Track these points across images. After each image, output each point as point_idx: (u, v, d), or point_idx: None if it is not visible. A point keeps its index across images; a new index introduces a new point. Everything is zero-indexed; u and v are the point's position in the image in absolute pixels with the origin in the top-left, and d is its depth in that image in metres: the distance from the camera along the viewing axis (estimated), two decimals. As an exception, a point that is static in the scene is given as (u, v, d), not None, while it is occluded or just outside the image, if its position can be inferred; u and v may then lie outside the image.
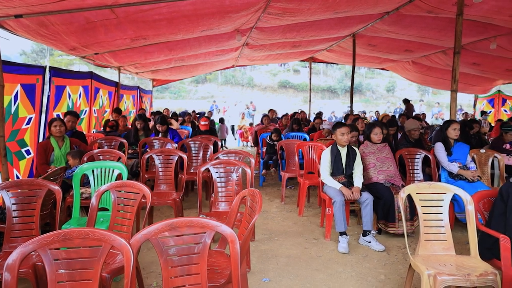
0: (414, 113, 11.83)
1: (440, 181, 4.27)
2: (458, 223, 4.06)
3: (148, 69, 9.36)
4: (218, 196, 3.53)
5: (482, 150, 4.67)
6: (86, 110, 7.00)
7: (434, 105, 20.22)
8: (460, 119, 8.72)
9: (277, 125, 8.28)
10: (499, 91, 12.05)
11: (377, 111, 16.51)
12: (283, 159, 5.75)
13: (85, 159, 4.00)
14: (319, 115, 9.15)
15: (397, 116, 10.07)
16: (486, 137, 7.56)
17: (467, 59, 8.78)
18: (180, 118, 9.78)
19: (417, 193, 2.54)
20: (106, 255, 1.67)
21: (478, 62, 8.99)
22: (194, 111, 12.23)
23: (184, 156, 4.13)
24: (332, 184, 3.80)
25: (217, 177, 3.55)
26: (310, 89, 12.16)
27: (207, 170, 3.58)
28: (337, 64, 16.57)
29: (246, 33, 6.70)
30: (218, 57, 8.98)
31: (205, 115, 10.68)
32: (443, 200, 2.52)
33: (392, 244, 3.70)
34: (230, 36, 6.52)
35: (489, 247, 2.42)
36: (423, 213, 2.51)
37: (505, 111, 11.83)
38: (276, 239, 3.88)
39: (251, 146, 10.85)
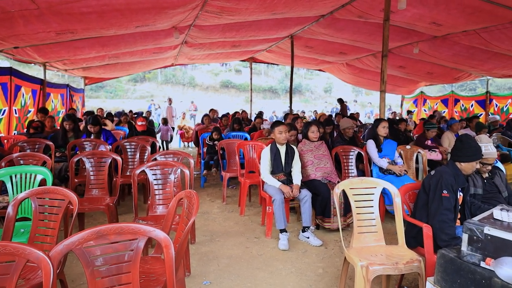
0: (349, 113, 12.50)
1: (372, 176, 4.54)
2: (388, 214, 4.35)
3: (79, 66, 8.73)
4: (155, 199, 3.38)
5: (408, 146, 5.05)
6: (4, 110, 6.32)
7: (367, 105, 21.59)
8: (388, 118, 9.35)
9: (217, 125, 8.21)
10: (421, 92, 13.21)
11: (315, 110, 17.17)
12: (224, 159, 5.70)
13: (2, 164, 3.59)
14: (259, 114, 9.24)
15: (333, 115, 10.55)
16: (411, 134, 8.20)
17: (394, 62, 9.48)
18: (115, 119, 9.27)
19: (350, 188, 2.65)
20: (20, 270, 1.49)
21: (404, 65, 9.75)
22: (131, 111, 11.67)
23: (118, 158, 3.89)
24: (272, 183, 3.83)
25: (154, 179, 3.39)
26: (251, 89, 12.26)
27: (144, 172, 3.41)
28: (277, 64, 16.93)
29: (184, 31, 6.54)
30: (156, 55, 8.67)
31: (143, 115, 10.24)
32: (373, 194, 2.66)
33: (329, 239, 3.84)
34: (167, 33, 6.32)
35: (414, 236, 2.61)
36: (356, 207, 2.63)
37: (425, 110, 12.99)
38: (217, 240, 3.82)
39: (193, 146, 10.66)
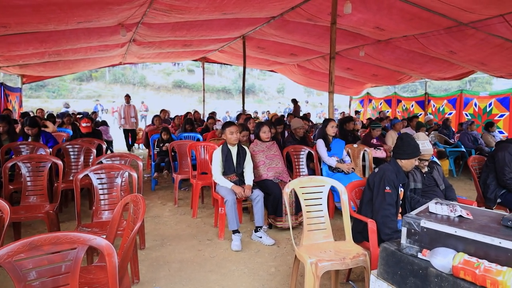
0: (301, 113, 12.79)
1: (322, 174, 4.67)
2: (337, 211, 4.49)
3: (14, 63, 8.07)
4: (100, 204, 3.21)
5: (355, 145, 5.26)
6: None
7: (318, 105, 22.28)
8: (337, 118, 9.72)
9: (169, 126, 8.01)
10: (368, 93, 13.88)
11: (268, 111, 17.38)
12: (176, 161, 5.57)
13: None
14: (212, 115, 9.14)
15: (286, 116, 10.74)
16: (358, 133, 8.56)
17: (342, 64, 9.86)
18: (58, 120, 8.70)
19: (300, 188, 2.70)
20: None
21: (351, 67, 10.18)
22: (74, 112, 11.02)
23: (59, 162, 3.64)
24: (224, 184, 3.80)
25: (99, 184, 3.22)
26: (204, 89, 12.14)
27: (89, 176, 3.22)
28: (230, 65, 16.91)
29: (132, 28, 6.29)
30: (102, 53, 8.26)
31: (88, 115, 9.70)
32: (322, 192, 2.74)
33: (282, 237, 3.89)
34: (113, 30, 6.04)
35: (360, 231, 2.72)
36: (306, 205, 2.68)
37: (369, 110, 13.69)
38: (168, 244, 3.71)
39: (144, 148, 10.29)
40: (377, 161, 5.66)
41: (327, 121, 4.76)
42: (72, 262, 1.59)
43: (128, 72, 34.85)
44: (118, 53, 8.81)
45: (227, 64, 16.01)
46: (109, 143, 9.41)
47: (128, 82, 34.71)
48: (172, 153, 5.57)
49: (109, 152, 8.22)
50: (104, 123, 9.69)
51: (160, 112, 9.15)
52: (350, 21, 6.31)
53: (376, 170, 2.77)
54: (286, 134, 6.09)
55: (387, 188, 2.56)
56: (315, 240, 2.66)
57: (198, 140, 6.52)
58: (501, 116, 8.71)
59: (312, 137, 7.70)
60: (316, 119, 16.08)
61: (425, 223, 1.60)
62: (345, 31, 7.09)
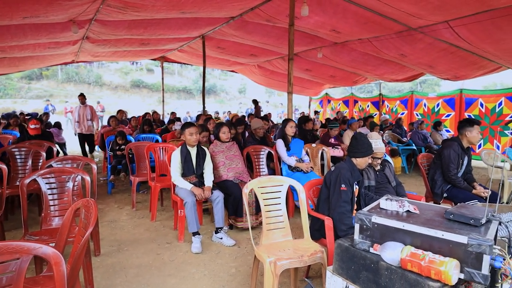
0: (262, 113, 12.88)
1: (282, 174, 4.74)
2: (297, 210, 4.55)
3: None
4: (50, 210, 3.03)
5: (313, 145, 5.39)
6: None
7: (279, 105, 22.57)
8: (298, 118, 9.87)
9: (127, 127, 7.75)
10: (326, 93, 14.27)
11: (229, 111, 17.35)
12: (133, 163, 5.40)
13: None
14: (173, 116, 8.94)
15: (247, 116, 10.77)
16: (318, 133, 8.78)
17: (301, 65, 10.06)
18: (3, 121, 8.12)
19: (259, 187, 2.71)
20: None
21: (310, 68, 10.40)
22: (22, 113, 10.35)
23: (3, 167, 3.40)
24: (183, 185, 3.74)
25: (48, 189, 3.04)
26: (163, 89, 11.87)
27: (37, 181, 3.03)
28: (191, 65, 16.67)
29: (84, 25, 6.01)
30: (52, 50, 7.81)
31: (37, 116, 9.14)
32: (280, 191, 2.77)
33: (242, 238, 3.89)
34: (64, 27, 5.73)
35: (318, 229, 2.78)
36: (265, 205, 2.71)
37: (328, 110, 14.10)
38: (125, 250, 3.59)
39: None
40: (335, 159, 5.83)
41: (286, 122, 4.83)
42: (15, 274, 1.49)
43: (82, 70, 33.31)
44: (70, 51, 8.38)
45: (187, 64, 15.78)
46: (62, 146, 8.93)
47: (83, 81, 33.18)
48: (130, 155, 5.40)
49: (61, 155, 7.79)
50: (57, 124, 9.18)
51: (117, 113, 8.82)
52: (308, 23, 6.45)
53: (333, 168, 2.85)
54: (247, 134, 6.11)
55: (343, 186, 2.65)
56: (274, 239, 2.68)
57: (157, 141, 6.36)
58: (448, 116, 9.31)
59: (272, 137, 7.79)
60: (277, 119, 16.28)
61: (376, 219, 1.67)
62: (304, 33, 7.24)
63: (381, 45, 7.17)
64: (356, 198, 2.89)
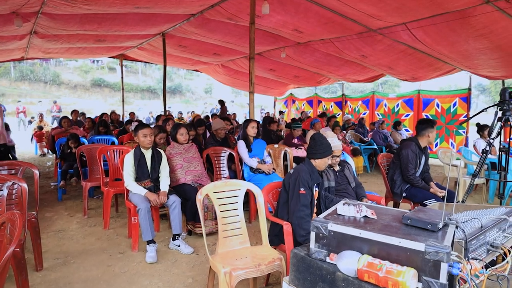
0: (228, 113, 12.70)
1: (243, 175, 4.60)
2: (259, 212, 4.45)
3: None
4: (-20, 223, 2.70)
5: (276, 145, 5.30)
6: None
7: (245, 105, 22.46)
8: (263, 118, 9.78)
9: (81, 129, 7.30)
10: (291, 93, 14.33)
11: (192, 111, 17.00)
12: (86, 167, 5.05)
13: None
14: (130, 120, 8.46)
15: (211, 116, 10.55)
16: (282, 133, 8.75)
17: (265, 65, 9.99)
18: None
19: (214, 193, 2.55)
20: None
21: (274, 68, 10.36)
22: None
23: None
24: (137, 190, 3.51)
25: (-22, 199, 2.71)
26: (123, 88, 11.40)
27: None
28: (155, 64, 16.17)
29: (30, 18, 5.56)
30: (-4, 45, 7.22)
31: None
32: (237, 196, 2.63)
33: (201, 244, 3.71)
34: (6, 20, 5.27)
35: (277, 234, 2.67)
36: (221, 211, 2.55)
37: (293, 110, 14.17)
38: (72, 262, 3.30)
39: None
40: (298, 160, 5.78)
41: (247, 122, 4.70)
42: None
43: (38, 68, 31.59)
44: (17, 47, 7.78)
45: (149, 63, 15.29)
46: (9, 149, 8.27)
47: (39, 80, 31.47)
48: (84, 158, 5.05)
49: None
50: (5, 126, 8.49)
51: (71, 113, 8.31)
52: (270, 22, 6.36)
53: (292, 171, 2.75)
54: (208, 135, 5.93)
55: (301, 189, 2.55)
56: (231, 246, 2.54)
57: (113, 143, 6.02)
58: (407, 115, 9.59)
59: (236, 137, 7.65)
60: (243, 119, 16.14)
61: (332, 226, 1.56)
62: (266, 32, 7.15)
63: (343, 46, 7.22)
64: (316, 201, 2.81)
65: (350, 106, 11.72)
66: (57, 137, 6.15)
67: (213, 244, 3.69)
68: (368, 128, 9.14)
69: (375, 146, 7.67)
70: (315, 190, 2.77)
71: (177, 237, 3.57)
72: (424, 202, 3.57)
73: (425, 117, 9.07)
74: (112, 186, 4.35)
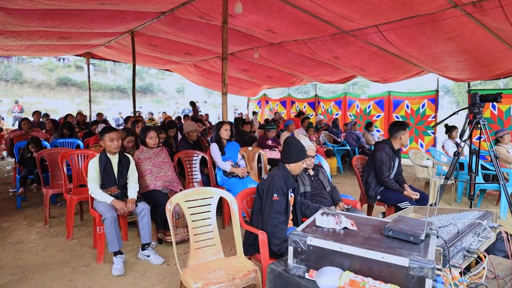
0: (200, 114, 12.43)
1: (216, 180, 4.46)
2: (233, 218, 4.31)
3: None
4: None
5: (250, 148, 5.19)
6: None
7: (218, 105, 22.20)
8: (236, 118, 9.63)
9: (43, 131, 6.89)
10: (264, 94, 14.28)
11: (164, 112, 16.60)
12: (47, 172, 4.73)
13: None
14: (96, 120, 8.06)
15: (183, 117, 10.30)
16: (256, 134, 8.65)
17: (238, 66, 9.86)
18: None
19: (185, 201, 2.40)
20: None
21: (247, 69, 10.25)
22: None
23: None
24: (102, 198, 3.29)
25: None
26: (90, 88, 10.91)
27: None
28: (125, 62, 15.64)
29: (-16, 13, 5.15)
30: None
31: None
32: (210, 204, 2.49)
33: (172, 253, 3.52)
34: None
35: (252, 243, 2.55)
36: (192, 221, 2.41)
37: (266, 111, 14.13)
38: (30, 278, 3.04)
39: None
40: (273, 162, 5.69)
41: (220, 124, 4.55)
42: None
43: (-2, 66, 29.89)
44: (-28, 43, 7.25)
45: (118, 62, 14.76)
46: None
47: (-1, 78, 29.78)
48: (45, 163, 4.72)
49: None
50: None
51: (33, 114, 7.83)
52: (243, 22, 6.24)
53: (265, 177, 2.64)
54: (180, 137, 5.73)
55: (275, 195, 2.45)
56: (204, 258, 2.40)
57: (78, 146, 5.70)
58: (378, 116, 9.76)
59: (209, 139, 7.48)
60: (216, 120, 15.92)
61: (311, 241, 1.47)
62: (240, 32, 7.02)
63: (316, 47, 7.22)
64: (292, 207, 2.72)
65: (323, 107, 11.80)
66: (16, 140, 5.76)
67: (185, 253, 3.53)
68: (341, 129, 9.21)
69: (348, 147, 7.72)
70: (291, 196, 2.68)
71: (147, 247, 3.38)
72: (398, 204, 3.58)
73: (396, 119, 9.28)
74: (76, 193, 4.08)
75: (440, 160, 6.00)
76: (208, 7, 5.63)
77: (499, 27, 5.04)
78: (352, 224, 1.62)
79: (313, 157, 3.06)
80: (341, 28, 6.10)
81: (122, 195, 3.43)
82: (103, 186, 3.39)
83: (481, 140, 3.25)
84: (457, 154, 3.27)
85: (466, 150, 6.13)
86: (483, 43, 5.60)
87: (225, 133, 4.49)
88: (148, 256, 3.35)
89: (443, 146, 6.22)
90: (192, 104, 11.80)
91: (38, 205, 5.08)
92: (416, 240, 1.42)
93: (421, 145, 8.68)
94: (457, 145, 6.28)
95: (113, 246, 3.15)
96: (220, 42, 7.67)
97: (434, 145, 8.28)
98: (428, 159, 6.30)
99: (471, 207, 3.59)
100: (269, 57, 8.63)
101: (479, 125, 3.12)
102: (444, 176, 5.50)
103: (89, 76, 10.93)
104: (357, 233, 1.55)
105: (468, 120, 3.16)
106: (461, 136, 3.26)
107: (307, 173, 3.11)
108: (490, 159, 3.54)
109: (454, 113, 3.30)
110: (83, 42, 8.30)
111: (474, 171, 3.33)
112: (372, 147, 7.87)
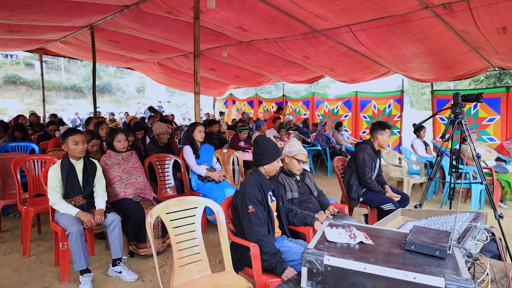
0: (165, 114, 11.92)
1: (191, 185, 4.19)
2: (210, 224, 4.06)
3: None
4: None
5: (225, 150, 4.96)
6: None
7: (182, 105, 21.63)
8: (203, 120, 9.33)
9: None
10: (231, 94, 14.04)
11: (126, 112, 15.87)
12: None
13: None
14: (52, 121, 7.27)
15: (147, 118, 9.81)
16: (225, 135, 8.40)
17: (205, 64, 9.55)
18: None
19: (167, 213, 2.15)
20: None
21: (214, 68, 9.97)
22: None
23: None
24: (65, 210, 2.92)
25: None
26: (43, 86, 10.12)
27: None
28: (81, 60, 14.70)
29: None
30: None
31: None
32: (195, 215, 2.25)
33: (147, 267, 3.24)
34: None
35: (239, 258, 2.34)
36: (175, 235, 2.15)
37: (233, 111, 13.93)
38: (-21, 306, 2.63)
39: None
40: (247, 164, 5.49)
41: (194, 126, 4.28)
42: None
43: None
44: None
45: (74, 58, 13.85)
46: None
47: None
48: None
49: None
50: None
51: (-22, 116, 7.05)
52: (213, 19, 5.99)
53: (238, 187, 2.44)
54: (148, 140, 5.37)
55: (250, 207, 2.25)
56: (189, 276, 2.15)
57: (32, 150, 5.17)
58: (346, 116, 9.87)
59: (176, 141, 7.13)
60: (180, 120, 15.44)
61: (329, 260, 1.29)
62: (208, 29, 6.76)
63: (287, 46, 7.12)
64: (275, 213, 2.53)
65: (291, 107, 11.78)
66: (-41, 145, 5.12)
67: (161, 266, 3.25)
68: (311, 129, 9.21)
69: (319, 147, 7.71)
70: (272, 201, 2.49)
71: (118, 262, 3.06)
72: (381, 206, 3.52)
73: (363, 119, 9.42)
74: (33, 203, 3.64)
75: (410, 159, 6.11)
76: (177, 1, 5.33)
77: (465, 29, 5.19)
78: (366, 237, 1.47)
79: (304, 161, 2.90)
80: (313, 27, 6.04)
81: (88, 206, 3.08)
82: (66, 196, 3.02)
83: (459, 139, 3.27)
84: (440, 154, 3.26)
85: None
86: (449, 45, 5.76)
87: (199, 135, 4.24)
88: (120, 272, 3.03)
89: (412, 145, 6.34)
90: (152, 109, 10.29)
91: (-13, 218, 4.52)
92: (443, 254, 1.29)
93: (388, 145, 8.86)
94: (425, 144, 6.44)
95: (79, 264, 2.80)
96: (187, 40, 7.41)
97: (400, 144, 8.48)
98: (399, 158, 6.39)
99: (450, 208, 3.61)
100: (237, 56, 8.43)
101: (460, 125, 3.12)
102: (421, 176, 5.59)
103: (42, 74, 10.13)
104: (376, 248, 1.39)
105: (450, 120, 3.15)
106: (442, 136, 3.25)
107: (294, 178, 2.94)
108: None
109: (435, 114, 3.28)
110: (36, 36, 7.62)
111: (455, 171, 3.34)
112: (342, 147, 7.92)
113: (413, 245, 1.35)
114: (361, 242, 1.44)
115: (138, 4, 5.66)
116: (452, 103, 3.16)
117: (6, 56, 31.01)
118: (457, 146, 3.37)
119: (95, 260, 3.37)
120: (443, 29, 5.25)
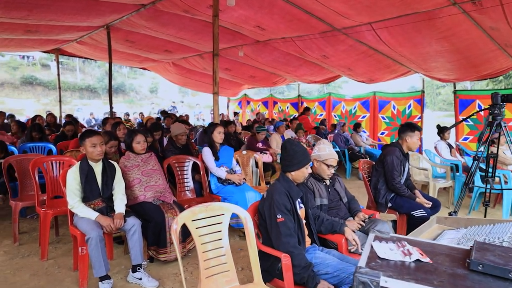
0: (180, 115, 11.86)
1: (210, 188, 4.07)
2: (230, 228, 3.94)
3: None
4: None
5: (244, 152, 4.83)
6: None
7: (195, 106, 21.60)
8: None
9: (9, 134, 6.22)
10: (245, 94, 13.92)
11: (141, 112, 15.89)
12: (16, 181, 4.17)
13: None
14: (69, 122, 7.24)
15: (161, 118, 9.75)
16: (241, 136, 8.27)
17: (220, 64, 9.31)
18: None
19: (192, 221, 2.02)
20: None
21: (230, 68, 9.86)
22: None
23: None
24: (85, 214, 2.84)
25: None
26: (60, 87, 10.17)
27: None
28: (95, 60, 14.80)
29: None
30: None
31: None
32: (221, 223, 2.12)
33: (167, 273, 3.13)
34: None
35: (267, 269, 2.20)
36: (202, 243, 2.03)
37: (248, 111, 13.80)
38: (-2, 312, 2.56)
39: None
40: (265, 166, 5.36)
41: (213, 126, 4.16)
42: None
43: (-46, 64, 27.91)
44: None
45: (90, 59, 13.93)
46: None
47: (-44, 77, 27.80)
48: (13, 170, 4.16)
49: None
50: None
51: (-4, 116, 7.11)
52: (231, 17, 5.88)
53: (265, 194, 2.30)
54: (165, 141, 5.28)
55: (279, 216, 2.11)
56: (215, 287, 2.02)
57: (50, 151, 5.14)
58: (363, 117, 9.64)
59: (193, 141, 7.04)
60: (194, 120, 15.38)
61: (386, 282, 1.14)
62: (225, 28, 6.64)
63: (305, 45, 6.96)
64: (304, 221, 2.39)
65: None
66: (-22, 145, 5.10)
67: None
68: (328, 130, 9.02)
69: (338, 149, 7.52)
70: (300, 208, 2.35)
71: (138, 269, 2.95)
72: (411, 213, 3.34)
73: (382, 120, 9.18)
74: (51, 206, 3.58)
75: (434, 161, 5.88)
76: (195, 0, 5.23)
77: (495, 26, 4.96)
78: (422, 254, 1.32)
79: (334, 166, 2.74)
80: (333, 26, 5.87)
81: (107, 209, 2.98)
82: (86, 199, 2.93)
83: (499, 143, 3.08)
84: (477, 158, 3.06)
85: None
86: (476, 42, 5.52)
87: (218, 136, 4.12)
88: (140, 279, 2.92)
89: (436, 147, 6.10)
90: (164, 113, 10.30)
91: (5, 219, 4.49)
92: (517, 277, 1.13)
93: (417, 148, 8.62)
94: (450, 146, 6.19)
95: (99, 270, 2.71)
96: (203, 39, 7.31)
97: (420, 146, 8.22)
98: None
99: (485, 215, 3.41)
100: (253, 55, 8.31)
101: (500, 127, 2.93)
102: (447, 179, 5.34)
103: (58, 74, 10.18)
104: (436, 268, 1.24)
105: (488, 122, 2.96)
106: (479, 139, 3.06)
107: (324, 183, 2.79)
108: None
109: (472, 114, 3.09)
110: (53, 36, 7.63)
111: (491, 176, 3.14)
112: (361, 149, 7.71)
113: (481, 265, 1.19)
114: (417, 260, 1.28)
115: (155, 3, 5.59)
116: (491, 103, 2.96)
117: (23, 57, 31.58)
118: (494, 150, 3.17)
119: (114, 265, 3.28)
120: (470, 26, 5.03)
